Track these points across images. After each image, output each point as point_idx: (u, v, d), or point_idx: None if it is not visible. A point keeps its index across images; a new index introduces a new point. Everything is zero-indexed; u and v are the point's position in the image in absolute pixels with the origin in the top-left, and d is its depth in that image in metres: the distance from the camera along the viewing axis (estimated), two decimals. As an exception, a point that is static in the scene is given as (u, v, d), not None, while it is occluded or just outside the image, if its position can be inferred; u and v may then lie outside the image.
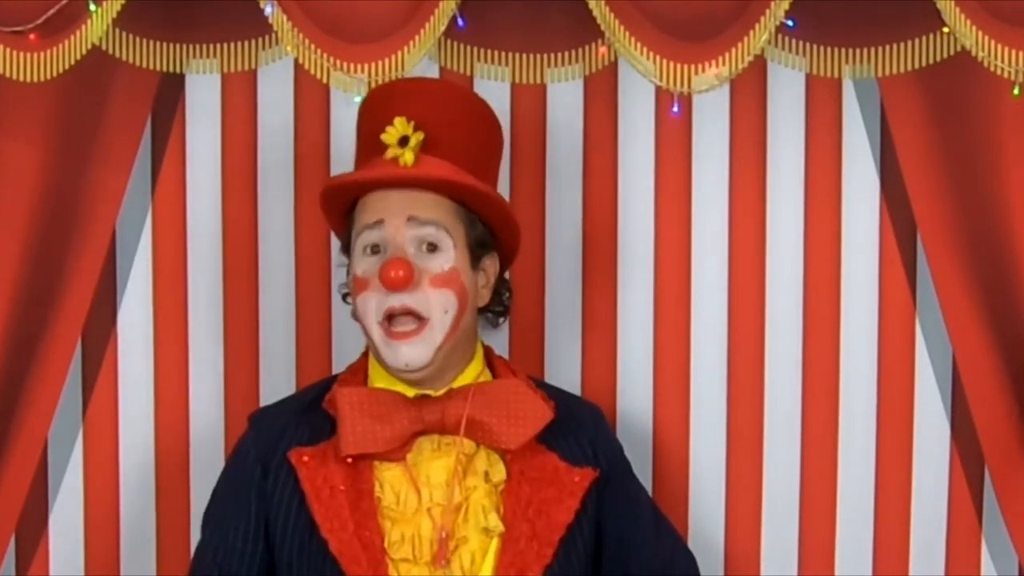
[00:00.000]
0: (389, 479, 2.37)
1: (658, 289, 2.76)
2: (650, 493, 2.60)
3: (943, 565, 2.74)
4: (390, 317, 2.35)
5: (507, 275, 2.52)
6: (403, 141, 2.36)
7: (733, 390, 2.76)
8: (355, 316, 2.44)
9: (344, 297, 2.50)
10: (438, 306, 2.35)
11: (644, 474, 2.65)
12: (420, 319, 2.35)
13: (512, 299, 2.53)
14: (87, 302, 2.72)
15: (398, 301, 2.34)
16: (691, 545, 2.58)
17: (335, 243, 2.76)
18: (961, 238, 2.62)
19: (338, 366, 2.76)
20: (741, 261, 2.74)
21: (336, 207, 2.46)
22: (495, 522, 2.35)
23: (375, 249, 2.37)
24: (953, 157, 2.61)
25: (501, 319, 2.53)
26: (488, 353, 2.50)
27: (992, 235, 2.61)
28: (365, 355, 2.49)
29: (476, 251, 2.41)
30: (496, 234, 2.44)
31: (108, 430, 2.80)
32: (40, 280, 2.69)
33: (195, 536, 2.74)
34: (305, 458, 2.37)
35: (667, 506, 2.61)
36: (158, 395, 2.80)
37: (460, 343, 2.41)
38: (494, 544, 2.36)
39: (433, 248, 2.36)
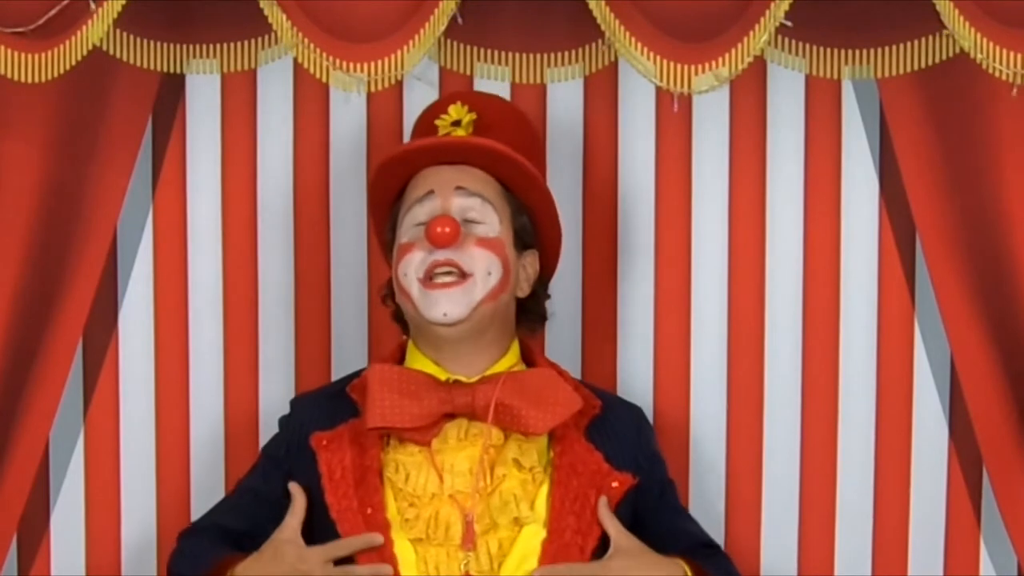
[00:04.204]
0: (405, 461, 2.39)
1: (658, 289, 2.76)
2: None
3: (942, 566, 2.74)
4: (431, 276, 2.39)
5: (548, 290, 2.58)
6: (456, 124, 2.47)
7: (732, 391, 2.76)
8: (395, 317, 2.53)
9: (383, 299, 2.55)
10: (482, 265, 2.40)
11: (644, 475, 2.66)
12: (463, 274, 2.39)
13: (552, 315, 2.59)
14: (88, 303, 2.72)
15: (443, 256, 2.38)
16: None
17: (335, 243, 2.79)
18: (960, 239, 2.61)
19: (337, 366, 2.78)
20: (741, 261, 2.74)
21: (384, 196, 2.52)
22: (526, 511, 2.37)
23: (423, 223, 2.43)
24: (952, 158, 2.61)
25: (538, 326, 2.58)
26: (527, 350, 2.54)
27: (991, 236, 2.60)
28: (399, 348, 2.53)
29: (519, 237, 2.47)
30: (538, 231, 2.50)
31: (109, 431, 2.80)
32: (41, 281, 2.69)
33: (196, 536, 2.78)
34: (324, 442, 2.43)
35: (666, 508, 2.62)
36: (159, 396, 2.80)
37: (497, 323, 2.46)
38: (526, 532, 2.36)
39: (478, 222, 2.43)
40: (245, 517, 2.49)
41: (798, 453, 2.75)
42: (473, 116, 2.47)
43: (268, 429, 2.69)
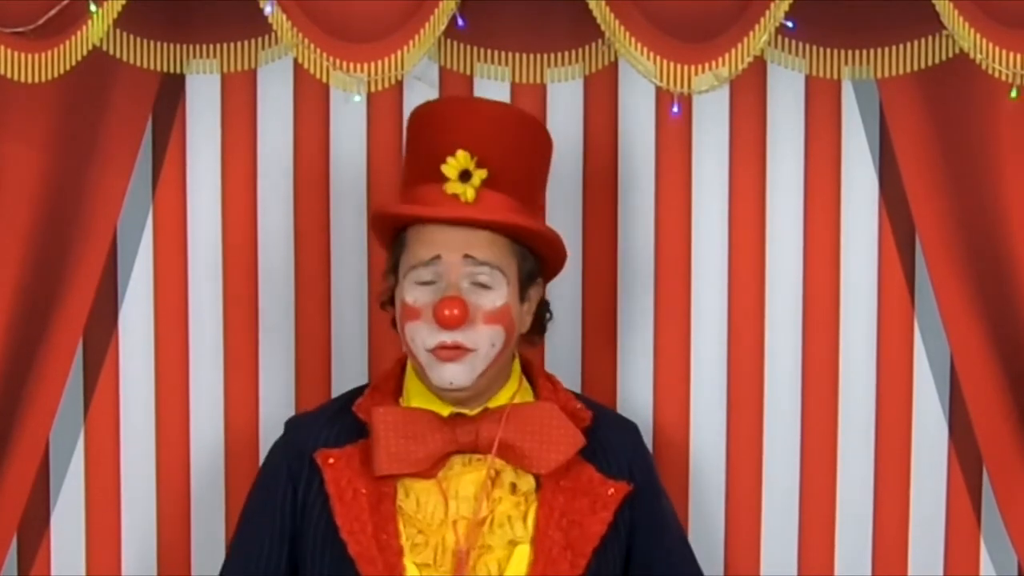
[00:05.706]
0: (416, 488, 2.39)
1: (658, 289, 2.76)
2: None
3: (942, 566, 2.74)
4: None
5: (547, 296, 2.53)
6: (464, 176, 2.37)
7: (733, 392, 2.76)
8: (395, 324, 2.47)
9: (382, 305, 2.50)
10: (486, 341, 2.37)
11: (644, 475, 2.66)
12: (468, 350, 2.36)
13: (551, 319, 2.53)
14: (88, 303, 2.71)
15: (450, 338, 2.35)
16: (691, 545, 2.58)
17: (335, 244, 2.79)
18: (959, 240, 2.61)
19: (337, 368, 2.79)
20: (741, 262, 2.74)
21: (387, 228, 2.46)
22: (520, 531, 2.37)
23: (428, 281, 2.38)
24: (951, 159, 2.60)
25: (538, 338, 2.54)
26: (528, 367, 2.51)
27: (991, 237, 2.60)
28: (399, 365, 2.50)
29: (525, 283, 2.43)
30: (543, 263, 2.46)
31: (109, 431, 2.80)
32: (41, 282, 2.68)
33: (196, 537, 2.79)
34: (331, 460, 2.40)
35: (666, 507, 2.62)
36: (159, 396, 2.80)
37: (500, 367, 2.43)
38: (519, 551, 2.37)
39: (486, 287, 2.38)
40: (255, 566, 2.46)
41: (798, 453, 2.75)
42: (483, 174, 2.36)
43: (268, 427, 2.70)
